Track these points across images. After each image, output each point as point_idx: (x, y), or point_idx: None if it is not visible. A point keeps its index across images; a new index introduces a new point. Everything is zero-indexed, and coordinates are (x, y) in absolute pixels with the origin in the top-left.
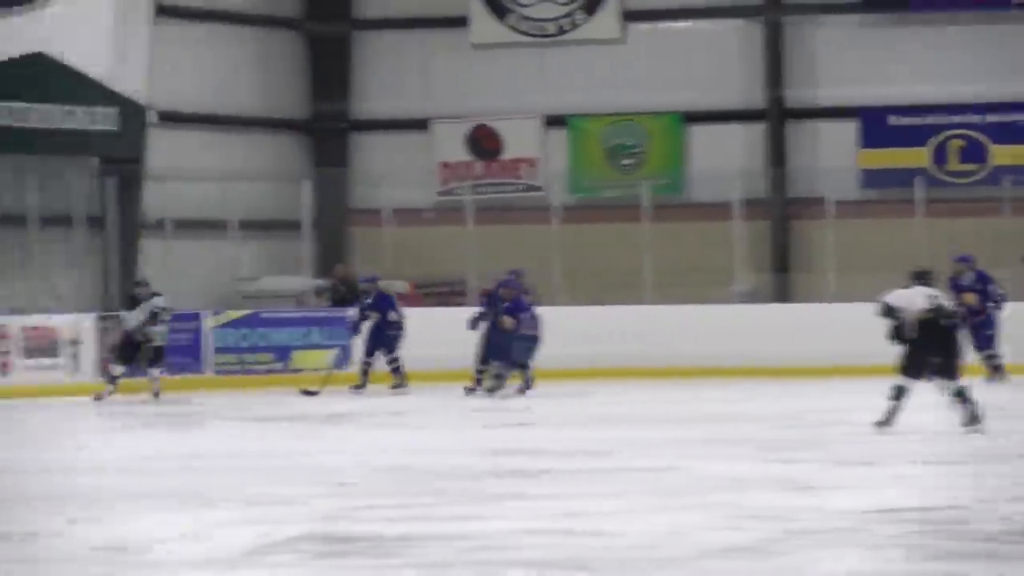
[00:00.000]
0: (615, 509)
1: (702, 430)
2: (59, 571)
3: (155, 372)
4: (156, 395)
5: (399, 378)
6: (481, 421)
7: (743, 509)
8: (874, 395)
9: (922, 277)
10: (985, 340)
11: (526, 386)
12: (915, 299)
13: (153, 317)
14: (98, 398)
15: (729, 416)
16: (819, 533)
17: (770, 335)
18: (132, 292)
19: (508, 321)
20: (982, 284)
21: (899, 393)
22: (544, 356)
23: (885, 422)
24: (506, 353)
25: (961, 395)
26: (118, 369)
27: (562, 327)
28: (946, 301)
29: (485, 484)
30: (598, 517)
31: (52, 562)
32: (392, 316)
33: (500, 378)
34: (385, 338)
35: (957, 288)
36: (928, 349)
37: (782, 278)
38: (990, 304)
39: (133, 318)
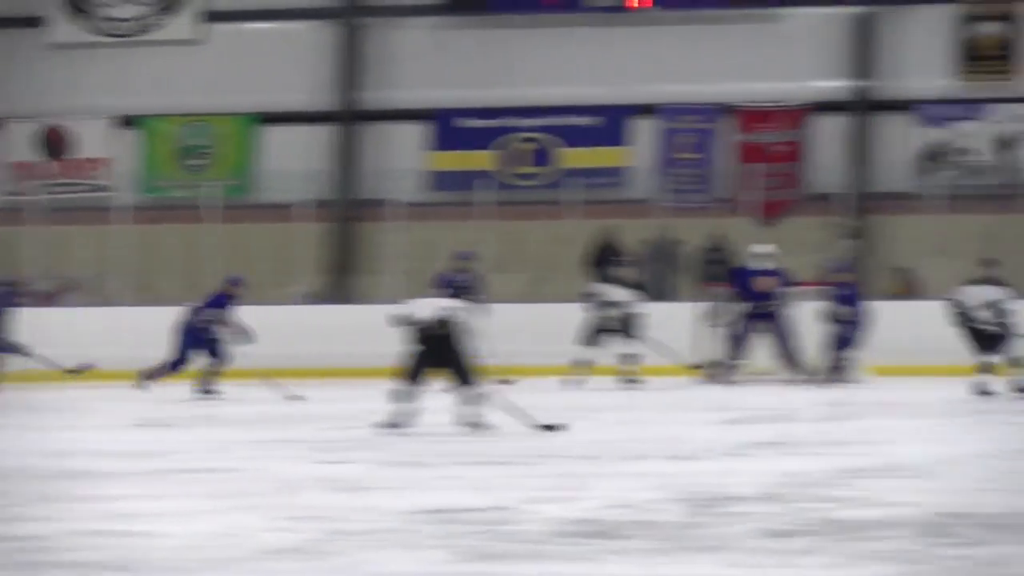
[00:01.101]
0: (165, 510)
1: (256, 431)
2: None
3: None
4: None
5: None
6: (37, 423)
7: (294, 510)
8: (435, 395)
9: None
10: None
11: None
12: (425, 308)
13: None
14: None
15: (283, 417)
16: (368, 533)
17: (330, 336)
18: None
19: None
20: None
21: (401, 397)
22: (105, 356)
23: (395, 424)
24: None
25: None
26: None
27: (128, 326)
28: (454, 312)
29: (40, 486)
30: (148, 518)
31: None
32: None
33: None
34: None
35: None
36: (430, 358)
37: (346, 279)
38: None
39: None
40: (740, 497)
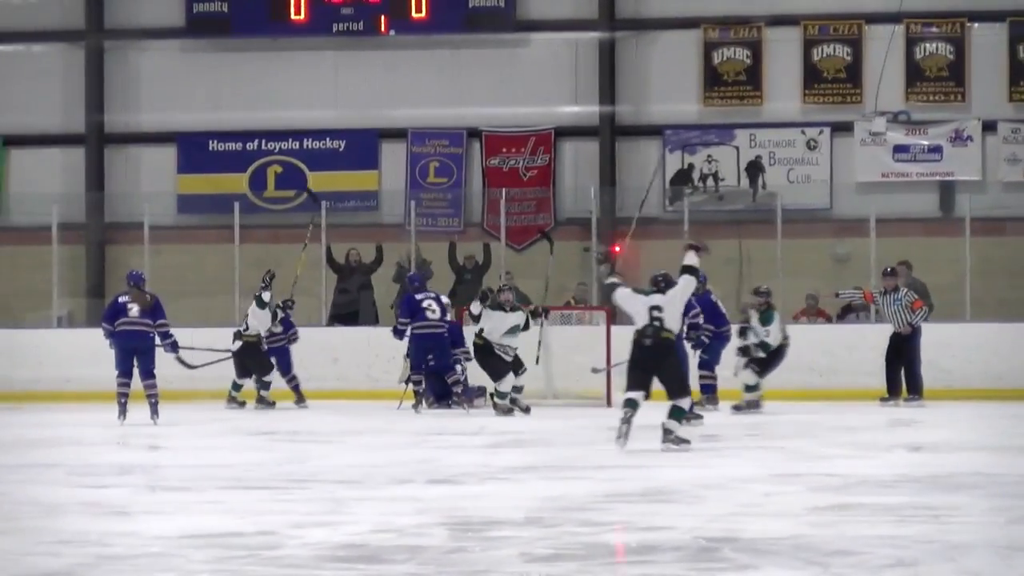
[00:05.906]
0: None
1: (10, 455)
2: None
3: None
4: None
5: None
6: None
7: (59, 534)
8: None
9: None
10: None
11: None
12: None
13: None
14: None
15: (37, 441)
16: (133, 558)
17: (88, 359)
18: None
19: None
20: None
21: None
22: None
23: None
24: None
25: None
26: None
27: None
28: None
29: None
30: None
31: None
32: None
33: None
34: None
35: None
36: None
37: (99, 303)
38: None
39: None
40: (503, 521)
